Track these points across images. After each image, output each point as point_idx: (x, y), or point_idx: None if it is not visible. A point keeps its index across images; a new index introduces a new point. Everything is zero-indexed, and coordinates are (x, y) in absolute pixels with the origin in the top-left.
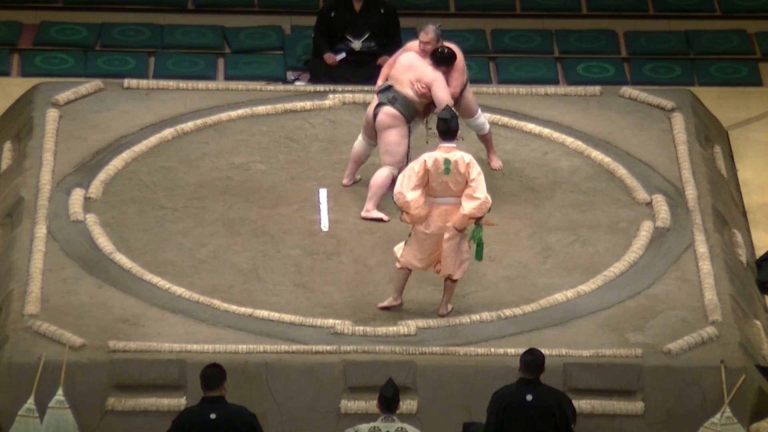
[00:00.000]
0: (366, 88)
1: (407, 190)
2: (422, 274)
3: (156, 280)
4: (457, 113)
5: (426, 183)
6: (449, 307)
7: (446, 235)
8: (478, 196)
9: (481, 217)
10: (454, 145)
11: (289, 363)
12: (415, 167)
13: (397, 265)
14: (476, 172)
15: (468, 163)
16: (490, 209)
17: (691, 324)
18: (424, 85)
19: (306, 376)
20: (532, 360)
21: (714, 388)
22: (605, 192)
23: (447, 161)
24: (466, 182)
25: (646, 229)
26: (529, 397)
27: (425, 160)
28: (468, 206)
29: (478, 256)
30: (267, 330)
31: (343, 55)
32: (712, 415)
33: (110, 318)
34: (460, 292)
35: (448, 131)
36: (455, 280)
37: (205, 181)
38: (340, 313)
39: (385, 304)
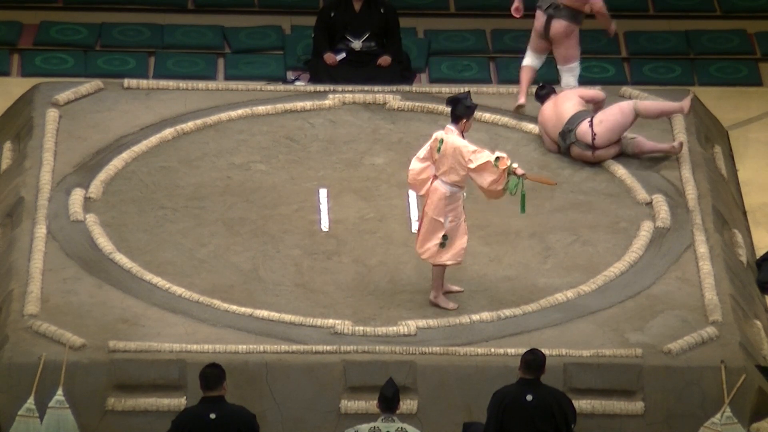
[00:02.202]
0: (366, 88)
1: (415, 158)
2: (424, 274)
3: (156, 280)
4: (469, 101)
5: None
6: (440, 301)
7: (423, 213)
8: (470, 167)
9: (506, 170)
10: (455, 130)
11: (289, 363)
12: (430, 141)
13: None
14: (467, 153)
15: (455, 148)
16: (497, 162)
17: (691, 324)
18: None
19: (306, 376)
20: (533, 360)
21: (714, 388)
22: (605, 192)
23: (441, 141)
24: (450, 168)
25: (646, 229)
26: (529, 398)
27: (433, 136)
28: (478, 181)
29: (522, 208)
30: (267, 330)
31: (343, 55)
32: (712, 415)
33: (110, 318)
34: (461, 291)
35: (452, 113)
36: (437, 266)
37: (205, 181)
38: (340, 313)
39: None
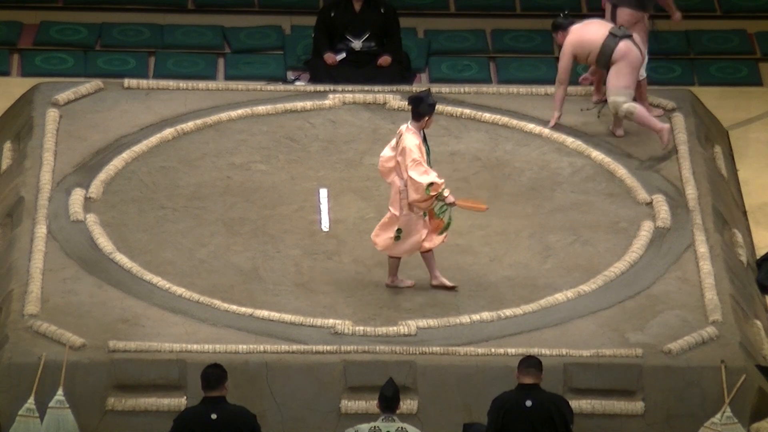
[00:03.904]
0: (366, 88)
1: (387, 146)
2: (425, 273)
3: (156, 280)
4: (431, 99)
5: None
6: (397, 282)
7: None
8: (408, 173)
9: (435, 196)
10: (413, 129)
11: (289, 363)
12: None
13: None
14: (409, 159)
15: (403, 148)
16: (429, 187)
17: (691, 324)
18: None
19: (306, 376)
20: (533, 363)
21: (714, 388)
22: (605, 192)
23: (398, 136)
24: (400, 165)
25: (646, 229)
26: (528, 403)
27: (400, 128)
28: (408, 190)
29: (442, 231)
30: (267, 330)
31: (343, 55)
32: (713, 415)
33: (110, 318)
34: (461, 292)
35: (414, 111)
36: (393, 257)
37: (205, 181)
38: (340, 313)
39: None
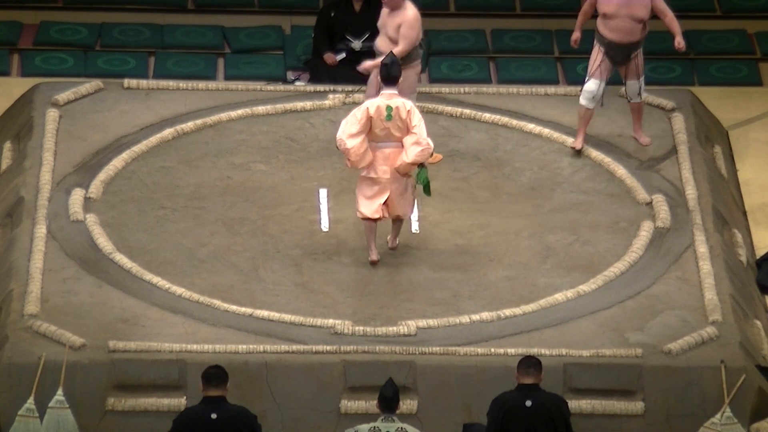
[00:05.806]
0: (366, 88)
1: (347, 137)
2: (424, 273)
3: (156, 280)
4: (399, 59)
5: (368, 130)
6: (397, 241)
7: (391, 178)
8: (420, 141)
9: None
10: (396, 92)
11: (289, 363)
12: (357, 114)
13: (358, 215)
14: (417, 118)
15: (409, 110)
16: (432, 153)
17: (691, 324)
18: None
19: (306, 376)
20: (533, 363)
21: (714, 388)
22: (605, 192)
23: (389, 108)
24: (407, 128)
25: (646, 229)
26: (528, 403)
27: (367, 108)
28: (411, 153)
29: (427, 192)
30: (267, 330)
31: (343, 55)
32: (712, 415)
33: (110, 318)
34: (461, 292)
35: (388, 77)
36: (402, 220)
37: (205, 181)
38: (340, 313)
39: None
